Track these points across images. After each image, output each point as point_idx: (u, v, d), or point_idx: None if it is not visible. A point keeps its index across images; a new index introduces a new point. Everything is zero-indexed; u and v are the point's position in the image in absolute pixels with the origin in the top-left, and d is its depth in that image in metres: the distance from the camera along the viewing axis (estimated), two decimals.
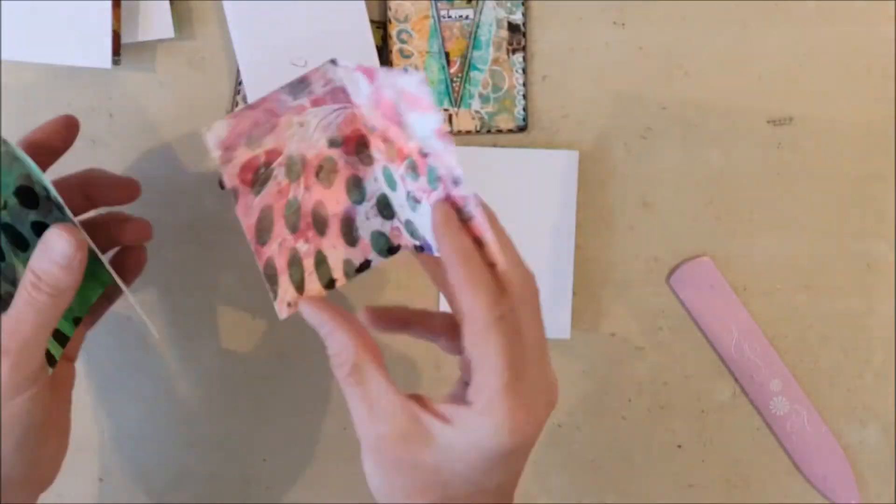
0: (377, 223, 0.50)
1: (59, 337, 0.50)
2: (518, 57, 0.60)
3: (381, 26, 0.59)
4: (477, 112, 0.60)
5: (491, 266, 0.43)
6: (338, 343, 0.44)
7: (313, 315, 0.45)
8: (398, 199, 0.49)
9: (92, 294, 0.52)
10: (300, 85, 0.45)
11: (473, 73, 0.60)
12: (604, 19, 0.60)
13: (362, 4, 0.58)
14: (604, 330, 0.62)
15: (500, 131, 0.60)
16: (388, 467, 0.43)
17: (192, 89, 0.60)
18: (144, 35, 0.58)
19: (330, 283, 0.49)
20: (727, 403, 0.63)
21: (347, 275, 0.49)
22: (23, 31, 0.56)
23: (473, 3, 0.59)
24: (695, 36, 0.60)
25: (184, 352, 0.62)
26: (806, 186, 0.61)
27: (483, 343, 0.41)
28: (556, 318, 0.61)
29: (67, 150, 0.51)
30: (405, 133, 0.45)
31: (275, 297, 0.47)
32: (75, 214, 0.47)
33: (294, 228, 0.48)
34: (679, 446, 0.63)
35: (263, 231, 0.47)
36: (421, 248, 0.49)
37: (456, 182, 0.43)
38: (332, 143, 0.48)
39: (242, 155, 0.45)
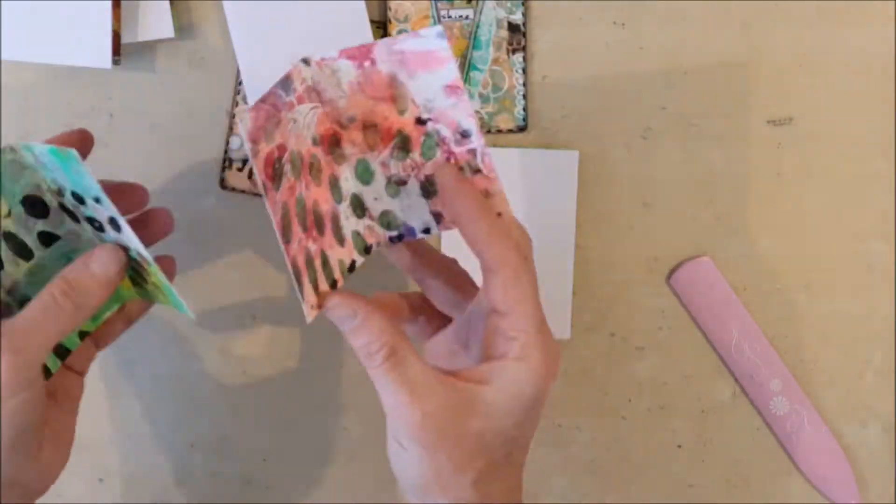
0: (353, 222, 0.49)
1: (60, 351, 0.50)
2: (518, 57, 0.60)
3: (381, 26, 0.59)
4: (477, 112, 0.60)
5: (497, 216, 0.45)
6: (374, 329, 0.44)
7: (345, 306, 0.44)
8: (373, 193, 0.48)
9: (105, 310, 0.51)
10: (287, 82, 0.45)
11: (473, 73, 0.60)
12: (604, 19, 0.60)
13: (362, 4, 0.58)
14: (604, 330, 0.62)
15: (500, 131, 0.60)
16: (433, 446, 0.43)
17: (192, 89, 0.60)
18: (144, 35, 0.58)
19: (333, 285, 0.47)
20: (727, 403, 0.63)
21: (343, 276, 0.48)
22: (23, 31, 0.56)
23: (473, 3, 0.59)
24: (695, 36, 0.60)
25: (184, 352, 0.62)
26: (806, 186, 0.61)
27: (514, 287, 0.43)
28: (556, 318, 0.60)
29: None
30: (398, 106, 0.44)
31: (303, 298, 0.44)
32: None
33: (304, 227, 0.46)
34: (679, 446, 0.63)
35: (286, 228, 0.45)
36: (399, 238, 0.49)
37: (465, 135, 0.43)
38: (314, 142, 0.47)
39: (265, 148, 0.44)
